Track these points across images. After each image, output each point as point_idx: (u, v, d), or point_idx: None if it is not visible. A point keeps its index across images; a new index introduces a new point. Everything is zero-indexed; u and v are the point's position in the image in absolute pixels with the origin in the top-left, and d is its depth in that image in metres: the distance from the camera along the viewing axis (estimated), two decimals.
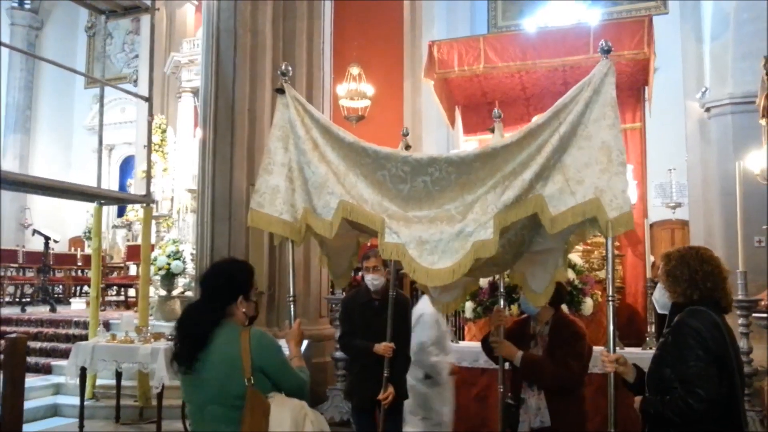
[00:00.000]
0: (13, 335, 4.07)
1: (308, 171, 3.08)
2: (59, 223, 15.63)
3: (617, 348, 5.01)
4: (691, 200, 10.85)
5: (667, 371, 2.44)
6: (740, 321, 4.84)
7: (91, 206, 13.85)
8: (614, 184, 2.73)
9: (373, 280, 4.06)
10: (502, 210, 2.83)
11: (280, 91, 3.17)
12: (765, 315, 5.58)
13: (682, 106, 11.01)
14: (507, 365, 3.59)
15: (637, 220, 6.54)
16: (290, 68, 3.30)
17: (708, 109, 10.13)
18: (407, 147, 4.05)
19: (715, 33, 10.19)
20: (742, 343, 4.83)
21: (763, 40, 8.92)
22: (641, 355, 4.55)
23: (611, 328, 2.74)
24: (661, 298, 2.70)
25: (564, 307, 4.24)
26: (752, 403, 4.74)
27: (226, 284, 2.56)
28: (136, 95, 6.95)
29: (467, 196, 2.93)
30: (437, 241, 2.88)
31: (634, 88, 7.20)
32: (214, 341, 2.43)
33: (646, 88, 7.17)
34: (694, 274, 2.51)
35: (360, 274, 4.32)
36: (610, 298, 2.79)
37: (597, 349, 3.48)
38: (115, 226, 15.25)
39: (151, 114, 6.44)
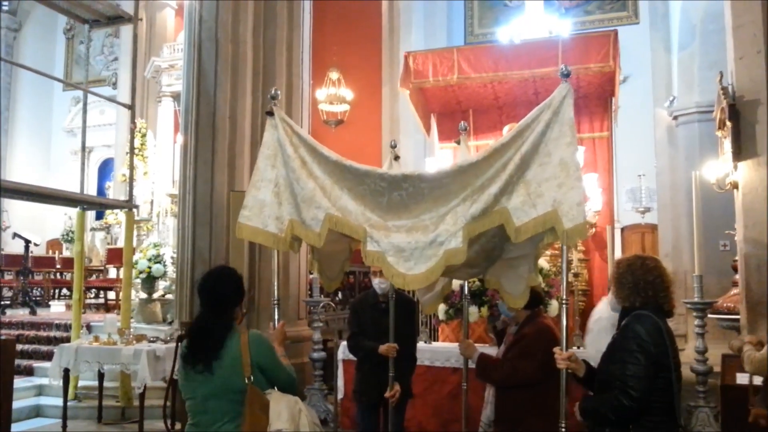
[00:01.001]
0: (2, 338, 4.21)
1: (297, 186, 3.32)
2: (37, 225, 15.57)
3: (578, 347, 5.34)
4: (660, 205, 11.18)
5: (611, 368, 2.69)
6: (696, 322, 5.13)
7: (70, 210, 13.92)
8: (570, 197, 2.96)
9: (380, 284, 4.28)
10: (471, 221, 3.08)
11: (270, 113, 3.40)
12: (724, 316, 5.90)
13: (652, 113, 11.38)
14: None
15: (603, 225, 6.85)
16: (279, 92, 3.54)
17: (676, 117, 10.46)
18: (396, 158, 4.32)
19: (682, 43, 10.53)
20: (697, 343, 5.13)
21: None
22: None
23: (564, 328, 2.99)
24: (612, 301, 2.95)
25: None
26: (707, 400, 5.02)
27: (234, 290, 2.82)
28: (119, 103, 7.08)
29: (440, 208, 3.19)
30: (413, 249, 3.14)
31: (602, 98, 7.47)
32: (224, 343, 2.66)
33: (613, 98, 7.45)
34: (637, 282, 2.76)
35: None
36: (563, 301, 3.05)
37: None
38: (93, 229, 15.22)
39: (133, 122, 6.58)
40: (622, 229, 12.53)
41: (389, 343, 4.02)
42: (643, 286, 2.75)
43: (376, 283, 4.33)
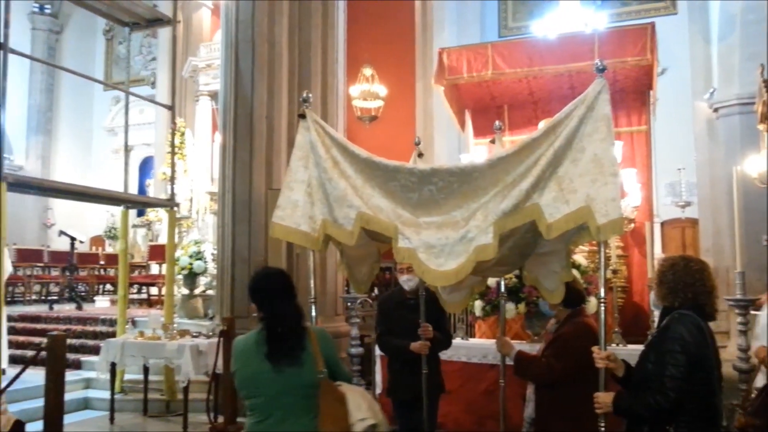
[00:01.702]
0: (54, 333, 4.37)
1: (329, 186, 3.38)
2: (80, 222, 16.04)
3: (617, 345, 5.31)
4: (700, 199, 10.99)
5: (649, 367, 2.69)
6: (738, 319, 5.05)
7: (112, 207, 14.28)
8: (604, 193, 2.93)
9: (408, 281, 4.32)
10: (501, 217, 3.09)
11: (302, 116, 3.48)
12: None
13: (691, 106, 11.17)
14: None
15: (642, 220, 6.77)
16: (311, 95, 3.61)
17: (716, 110, 10.28)
18: (420, 155, 4.33)
19: (722, 34, 10.33)
20: (739, 341, 5.05)
21: None
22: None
23: (602, 326, 3.00)
24: (653, 298, 2.95)
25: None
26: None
27: (292, 288, 2.86)
28: (159, 104, 7.26)
29: (471, 204, 3.20)
30: (443, 245, 3.16)
31: (639, 91, 7.35)
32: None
33: (651, 91, 7.34)
34: (677, 282, 2.75)
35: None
36: (602, 300, 3.05)
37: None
38: (135, 226, 15.58)
39: (174, 122, 6.75)
40: (662, 224, 12.34)
41: (421, 341, 4.05)
42: (683, 287, 2.74)
43: (404, 280, 4.35)
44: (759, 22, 9.49)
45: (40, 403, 5.13)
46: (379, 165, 3.32)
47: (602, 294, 3.07)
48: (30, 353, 7.70)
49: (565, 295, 3.67)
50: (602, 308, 3.03)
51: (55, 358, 4.18)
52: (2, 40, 4.85)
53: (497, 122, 4.50)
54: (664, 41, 11.98)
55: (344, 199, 3.32)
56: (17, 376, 4.02)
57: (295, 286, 2.88)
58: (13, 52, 4.92)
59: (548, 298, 3.70)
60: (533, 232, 3.29)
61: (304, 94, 3.60)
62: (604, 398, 2.79)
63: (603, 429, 2.89)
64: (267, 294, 2.79)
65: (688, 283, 2.75)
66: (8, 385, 4.00)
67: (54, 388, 4.13)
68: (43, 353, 3.98)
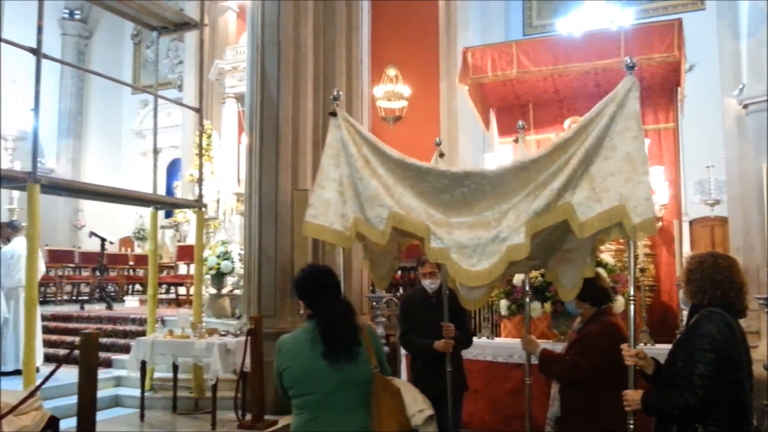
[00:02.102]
0: (86, 331, 4.47)
1: (360, 185, 3.42)
2: (110, 224, 16.33)
3: (645, 344, 5.27)
4: (729, 197, 10.81)
5: (678, 364, 2.68)
6: None
7: (140, 209, 14.52)
8: (638, 191, 2.93)
9: (430, 284, 4.35)
10: (533, 217, 3.10)
11: (333, 114, 3.51)
12: None
13: (720, 102, 11.00)
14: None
15: (670, 219, 6.70)
16: (341, 93, 3.64)
17: (745, 106, 10.11)
18: (441, 155, 4.37)
19: (751, 29, 10.15)
20: None
21: None
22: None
23: (631, 324, 2.99)
24: (682, 295, 2.93)
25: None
26: None
27: (339, 284, 2.92)
28: (188, 107, 7.37)
29: (503, 205, 3.21)
30: (476, 245, 3.18)
31: (666, 88, 7.28)
32: None
33: (679, 88, 7.26)
34: (705, 280, 2.73)
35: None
36: (631, 298, 3.04)
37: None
38: (162, 227, 15.83)
39: (201, 124, 6.85)
40: (691, 223, 12.15)
41: (444, 340, 4.07)
42: (711, 285, 2.72)
43: (427, 284, 4.38)
44: None
45: (72, 400, 5.24)
46: (410, 166, 3.35)
47: (632, 292, 3.05)
48: (62, 352, 7.88)
49: (592, 293, 3.67)
50: (632, 306, 3.01)
51: (88, 356, 4.27)
52: (36, 46, 4.97)
53: (520, 121, 4.51)
54: (691, 37, 11.83)
55: (376, 199, 3.35)
56: (51, 374, 4.11)
57: (339, 283, 2.91)
58: (47, 57, 5.04)
59: (563, 295, 3.69)
60: (562, 229, 3.30)
61: (335, 92, 3.63)
62: (633, 396, 2.78)
63: (632, 427, 2.88)
64: (317, 292, 2.80)
65: (716, 281, 2.73)
66: (43, 383, 4.09)
67: (87, 385, 4.22)
68: (76, 351, 4.07)
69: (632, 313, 3.04)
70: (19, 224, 6.71)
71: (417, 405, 2.72)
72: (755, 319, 8.36)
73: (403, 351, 5.93)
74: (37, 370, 5.97)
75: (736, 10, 10.81)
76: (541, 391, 4.34)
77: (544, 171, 3.15)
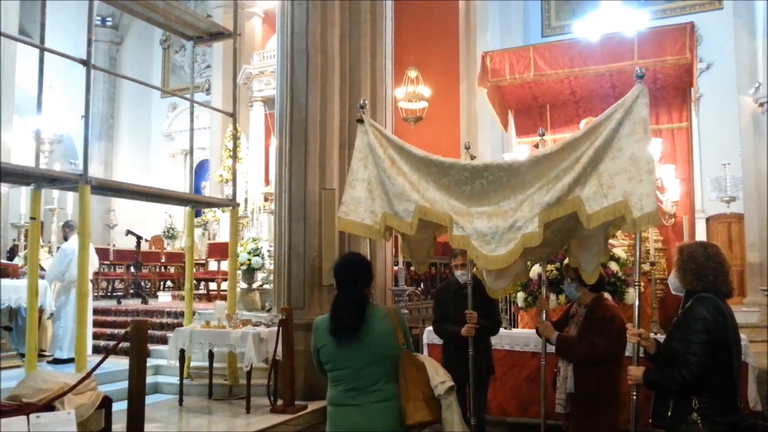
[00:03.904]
0: (137, 319, 4.87)
1: (388, 183, 3.82)
2: (141, 224, 16.86)
3: (655, 333, 5.55)
4: (745, 194, 10.98)
5: (674, 344, 2.99)
6: None
7: (170, 208, 15.00)
8: (640, 189, 3.28)
9: (461, 275, 4.72)
10: (546, 208, 3.47)
11: (360, 121, 3.90)
12: None
13: (737, 101, 11.17)
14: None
15: (682, 215, 6.94)
16: (366, 102, 4.02)
17: (761, 105, 10.29)
18: (472, 158, 4.75)
19: None
20: None
21: None
22: None
23: (636, 307, 3.34)
24: (674, 283, 3.24)
25: (608, 296, 4.82)
26: None
27: (366, 272, 3.17)
28: (221, 111, 7.77)
29: (518, 196, 3.60)
30: (494, 233, 3.57)
31: (680, 89, 7.51)
32: (371, 317, 3.03)
33: (692, 89, 7.49)
34: (700, 268, 3.04)
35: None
36: (636, 284, 3.39)
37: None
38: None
39: (235, 128, 7.24)
40: (708, 219, 12.32)
41: (467, 325, 4.40)
42: (705, 272, 3.03)
43: (458, 274, 4.78)
44: None
45: (116, 386, 5.70)
46: (434, 162, 3.74)
47: (637, 278, 3.41)
48: (103, 343, 8.36)
49: None
50: (637, 290, 3.39)
51: (139, 342, 4.65)
52: (86, 58, 5.40)
53: (540, 129, 4.85)
54: (708, 36, 12.09)
55: (403, 194, 3.74)
56: (105, 357, 4.44)
57: (369, 270, 3.18)
58: (96, 68, 5.46)
59: (587, 279, 4.06)
60: (575, 220, 3.64)
61: (361, 101, 4.02)
62: (635, 372, 3.11)
63: (634, 398, 3.26)
64: (341, 277, 3.11)
65: (710, 268, 3.04)
66: (97, 365, 4.41)
67: (138, 368, 4.61)
68: (123, 340, 4.43)
69: (637, 299, 3.39)
70: (75, 224, 7.14)
71: (439, 377, 3.07)
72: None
73: (426, 341, 6.28)
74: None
75: (752, 9, 10.97)
76: (555, 376, 4.65)
77: (556, 166, 3.52)
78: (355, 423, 2.95)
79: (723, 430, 2.87)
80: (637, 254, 3.51)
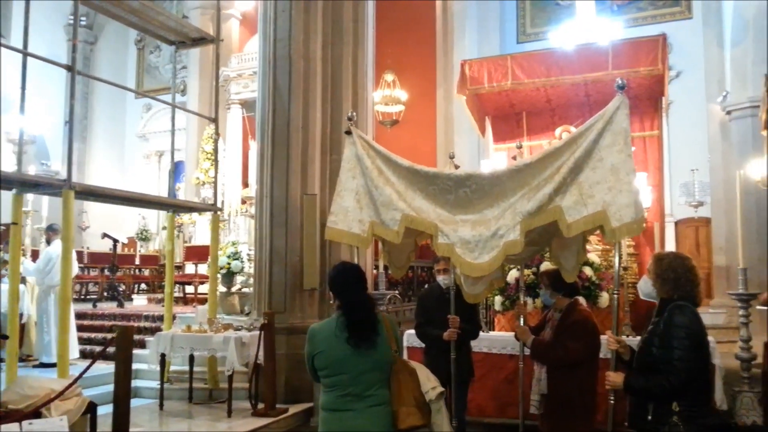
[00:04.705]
0: (122, 325, 4.89)
1: (376, 193, 3.93)
2: (113, 225, 16.66)
3: (627, 336, 5.75)
4: (713, 199, 11.30)
5: (654, 351, 3.11)
6: (740, 312, 5.46)
7: (142, 210, 14.85)
8: (619, 199, 3.41)
9: (444, 280, 4.83)
10: (527, 217, 3.61)
11: (348, 132, 4.00)
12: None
13: (705, 108, 11.50)
14: None
15: (653, 221, 7.17)
16: (355, 114, 4.12)
17: (729, 112, 10.61)
18: (456, 167, 4.89)
19: (735, 38, 10.64)
20: (742, 332, 5.47)
21: None
22: None
23: (615, 315, 3.49)
24: (645, 288, 3.36)
25: (583, 301, 4.98)
26: (751, 385, 5.36)
27: (365, 279, 3.25)
28: (203, 116, 7.79)
29: (501, 203, 3.74)
30: (477, 241, 3.71)
31: (652, 98, 7.73)
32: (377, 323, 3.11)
33: (663, 98, 7.72)
34: (679, 278, 3.17)
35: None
36: (614, 293, 3.53)
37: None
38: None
39: (217, 133, 7.27)
40: (676, 223, 12.66)
41: (450, 330, 4.51)
42: (684, 282, 3.16)
43: (440, 279, 4.89)
44: None
45: (97, 391, 5.70)
46: (419, 172, 3.88)
47: (615, 288, 3.55)
48: (80, 347, 8.30)
49: (564, 285, 4.23)
50: (615, 300, 3.51)
51: (124, 347, 4.68)
52: (71, 63, 5.39)
53: (518, 141, 4.99)
54: (678, 45, 12.42)
55: (390, 204, 3.86)
56: (91, 364, 4.48)
57: (365, 279, 3.28)
58: (81, 74, 5.46)
59: (567, 277, 4.22)
60: (555, 224, 3.74)
61: (350, 113, 4.13)
62: (614, 378, 3.23)
63: (612, 402, 3.41)
64: (344, 286, 3.18)
65: (689, 280, 3.19)
66: (83, 373, 4.44)
67: (124, 374, 4.63)
68: (110, 346, 4.45)
69: (616, 306, 3.54)
70: (59, 228, 7.09)
71: (430, 383, 3.17)
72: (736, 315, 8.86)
73: (406, 344, 6.39)
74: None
75: (721, 19, 11.31)
76: (532, 378, 4.79)
77: (537, 175, 3.65)
78: (349, 427, 3.03)
79: (703, 431, 2.99)
80: (617, 264, 3.64)
